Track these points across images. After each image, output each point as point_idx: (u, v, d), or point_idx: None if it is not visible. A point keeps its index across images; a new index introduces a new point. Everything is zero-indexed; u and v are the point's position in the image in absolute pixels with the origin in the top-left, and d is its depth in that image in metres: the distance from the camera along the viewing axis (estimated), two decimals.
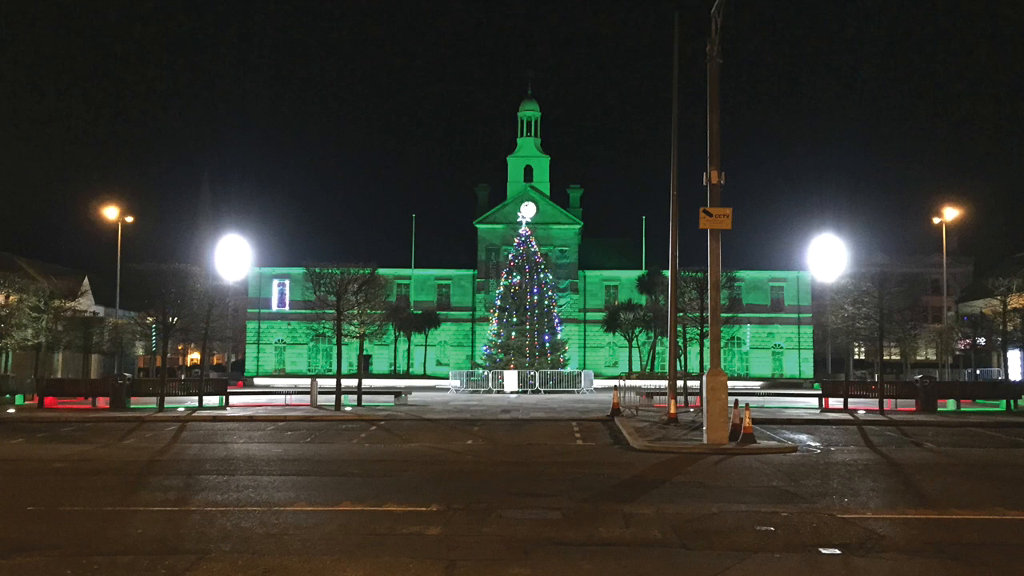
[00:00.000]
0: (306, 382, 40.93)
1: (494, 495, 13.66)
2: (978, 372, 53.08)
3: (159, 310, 33.94)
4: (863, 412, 30.72)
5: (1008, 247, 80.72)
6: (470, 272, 75.98)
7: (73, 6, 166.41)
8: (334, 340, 34.90)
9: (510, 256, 60.19)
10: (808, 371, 73.32)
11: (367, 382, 41.05)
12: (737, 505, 12.95)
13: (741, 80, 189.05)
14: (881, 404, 31.37)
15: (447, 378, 55.84)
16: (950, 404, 33.35)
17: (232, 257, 37.00)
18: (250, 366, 74.40)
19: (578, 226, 76.42)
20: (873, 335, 33.37)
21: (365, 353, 47.30)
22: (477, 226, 75.86)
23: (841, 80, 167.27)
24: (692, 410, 31.52)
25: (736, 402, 21.55)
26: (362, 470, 16.98)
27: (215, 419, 28.27)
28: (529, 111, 78.13)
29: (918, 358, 68.27)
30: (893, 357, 62.96)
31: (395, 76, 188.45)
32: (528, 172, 77.67)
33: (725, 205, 21.34)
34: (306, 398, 35.72)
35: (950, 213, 53.84)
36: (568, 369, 54.80)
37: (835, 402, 32.88)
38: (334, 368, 34.72)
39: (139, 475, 16.24)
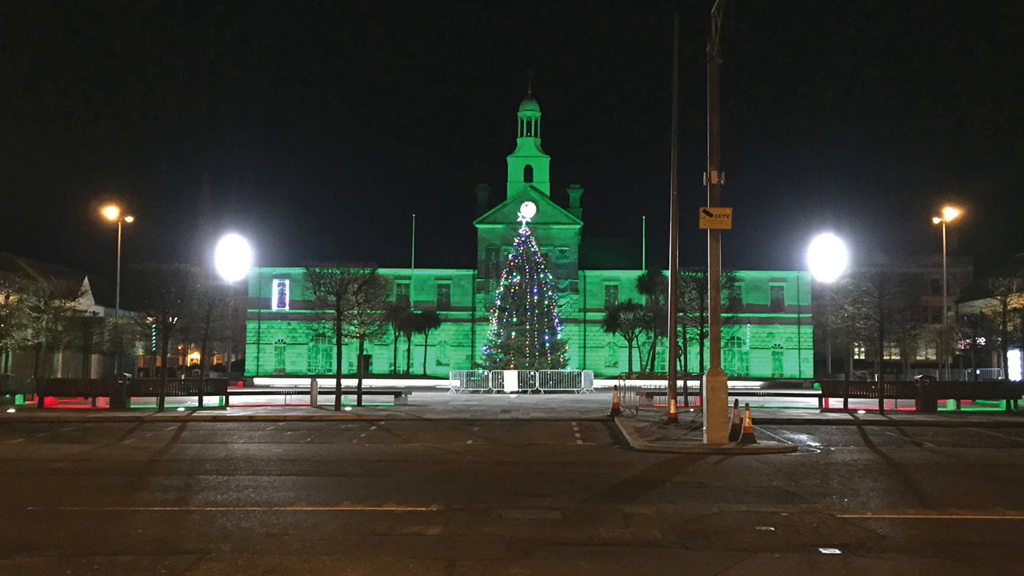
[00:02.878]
0: (306, 382, 40.91)
1: (494, 495, 13.66)
2: (978, 372, 53.03)
3: (159, 310, 33.90)
4: (863, 412, 30.71)
5: (1008, 247, 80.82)
6: (470, 272, 75.96)
7: (73, 6, 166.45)
8: (334, 340, 34.88)
9: (510, 256, 60.11)
10: (808, 371, 73.30)
11: (367, 382, 41.04)
12: (737, 505, 12.94)
13: (741, 80, 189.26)
14: (881, 404, 31.35)
15: (447, 378, 55.80)
16: (950, 404, 33.33)
17: (232, 257, 37.05)
18: (250, 366, 74.37)
19: (578, 226, 76.40)
20: (873, 335, 33.34)
21: (365, 353, 47.29)
22: (477, 226, 75.85)
23: (841, 80, 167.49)
24: (692, 410, 31.51)
25: (736, 402, 21.55)
26: (362, 470, 16.98)
27: (215, 419, 28.27)
28: (529, 111, 78.11)
29: (918, 358, 68.18)
30: (893, 357, 62.91)
31: (395, 76, 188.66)
32: (528, 172, 77.66)
33: (725, 205, 21.35)
34: (306, 398, 35.71)
35: (950, 213, 53.79)
36: (568, 369, 54.73)
37: (835, 402, 32.86)
38: (334, 368, 34.71)
39: (139, 475, 16.24)
